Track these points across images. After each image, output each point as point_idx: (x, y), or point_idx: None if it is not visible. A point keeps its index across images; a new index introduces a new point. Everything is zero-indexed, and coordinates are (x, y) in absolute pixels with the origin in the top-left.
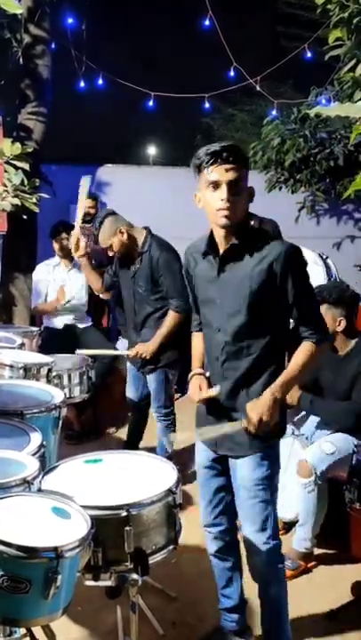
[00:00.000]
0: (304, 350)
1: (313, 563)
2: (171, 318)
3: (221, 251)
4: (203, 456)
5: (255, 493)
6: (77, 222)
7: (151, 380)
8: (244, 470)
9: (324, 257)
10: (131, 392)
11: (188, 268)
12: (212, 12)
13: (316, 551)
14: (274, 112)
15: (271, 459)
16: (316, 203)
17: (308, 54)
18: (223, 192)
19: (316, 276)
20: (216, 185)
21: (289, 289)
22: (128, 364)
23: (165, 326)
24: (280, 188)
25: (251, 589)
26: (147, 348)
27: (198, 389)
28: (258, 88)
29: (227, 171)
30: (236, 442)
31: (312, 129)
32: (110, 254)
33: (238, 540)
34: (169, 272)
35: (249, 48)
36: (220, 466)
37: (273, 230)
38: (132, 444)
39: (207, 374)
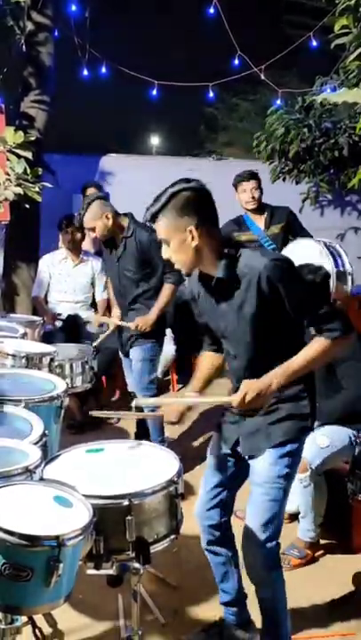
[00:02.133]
0: (314, 345)
1: (320, 552)
2: (168, 291)
3: (212, 284)
4: (216, 447)
5: (268, 491)
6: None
7: (135, 356)
8: (259, 466)
9: (333, 246)
10: (130, 382)
11: (193, 296)
12: (217, 0)
13: (320, 542)
14: (278, 101)
15: (290, 460)
16: (320, 193)
17: (314, 43)
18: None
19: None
20: None
21: (285, 301)
22: (121, 356)
23: (162, 299)
24: (284, 179)
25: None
26: (146, 321)
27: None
28: (262, 77)
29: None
30: (250, 439)
31: (317, 119)
32: (92, 236)
33: (230, 537)
34: (158, 249)
35: (253, 36)
36: (231, 461)
37: (287, 217)
38: (141, 434)
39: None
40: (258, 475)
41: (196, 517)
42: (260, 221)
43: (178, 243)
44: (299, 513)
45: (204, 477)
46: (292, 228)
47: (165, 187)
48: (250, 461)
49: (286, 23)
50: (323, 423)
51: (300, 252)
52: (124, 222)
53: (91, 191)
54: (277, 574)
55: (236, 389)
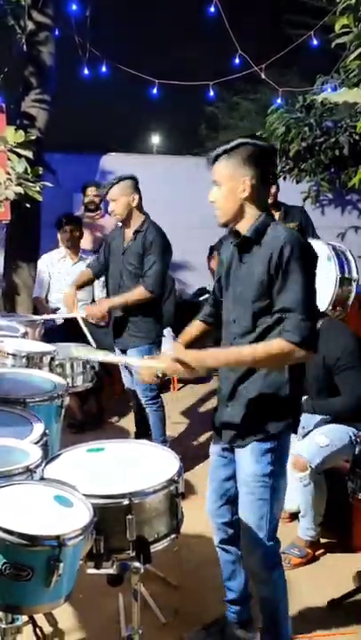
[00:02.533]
0: (272, 344)
1: (321, 550)
2: (138, 292)
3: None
4: (216, 444)
5: (252, 490)
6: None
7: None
8: (244, 462)
9: (342, 251)
10: (127, 381)
11: (222, 261)
12: None
13: (320, 540)
14: (279, 100)
15: (274, 455)
16: (320, 192)
17: (314, 42)
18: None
19: (328, 274)
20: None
21: (279, 275)
22: (116, 350)
23: (128, 296)
24: (285, 178)
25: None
26: (93, 309)
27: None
28: (263, 76)
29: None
30: (234, 428)
31: (317, 117)
32: (106, 212)
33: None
34: (157, 255)
35: (254, 35)
36: (231, 456)
37: (300, 216)
38: (141, 434)
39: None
40: (242, 472)
41: (208, 515)
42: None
43: (229, 189)
44: (299, 512)
45: (210, 475)
46: (305, 228)
47: (166, 186)
48: (237, 455)
49: (287, 22)
50: (321, 422)
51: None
52: (142, 216)
53: (91, 191)
54: (278, 573)
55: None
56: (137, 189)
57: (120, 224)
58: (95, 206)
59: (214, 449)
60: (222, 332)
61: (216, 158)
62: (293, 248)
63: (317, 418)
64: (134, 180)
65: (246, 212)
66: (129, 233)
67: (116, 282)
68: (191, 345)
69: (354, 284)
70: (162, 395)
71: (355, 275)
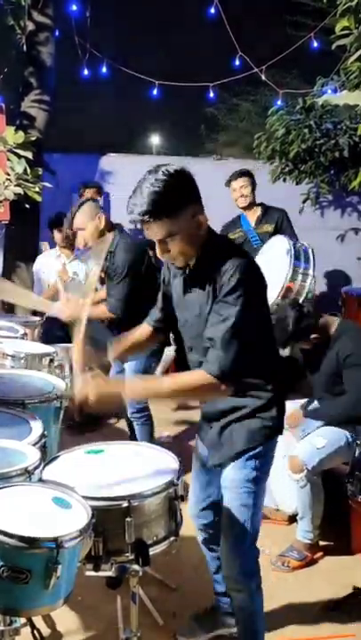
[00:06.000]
0: (191, 375)
1: (319, 553)
2: (101, 311)
3: (186, 271)
4: (200, 451)
5: (236, 495)
6: None
7: (129, 368)
8: (229, 470)
9: (304, 249)
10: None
11: (164, 276)
12: (218, 1)
13: (319, 543)
14: (279, 102)
15: (258, 462)
16: (320, 194)
17: (315, 43)
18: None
19: (282, 267)
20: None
21: (217, 300)
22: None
23: (94, 310)
24: (284, 180)
25: None
26: (66, 310)
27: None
28: (263, 77)
29: (147, 230)
30: (221, 444)
31: (317, 119)
32: (78, 245)
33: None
34: (119, 275)
35: (254, 37)
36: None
37: (282, 219)
38: (134, 436)
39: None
40: (226, 479)
41: (190, 517)
42: (252, 218)
43: (184, 238)
44: (297, 514)
45: (192, 479)
46: (282, 230)
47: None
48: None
49: (287, 24)
50: (322, 424)
51: (272, 244)
52: (112, 234)
53: (90, 192)
54: (256, 583)
55: None
56: (98, 208)
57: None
58: None
59: (197, 453)
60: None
61: (150, 218)
62: (233, 274)
63: (317, 423)
64: (93, 200)
65: (197, 247)
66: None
67: None
68: (127, 353)
69: (309, 279)
70: None
71: (310, 271)
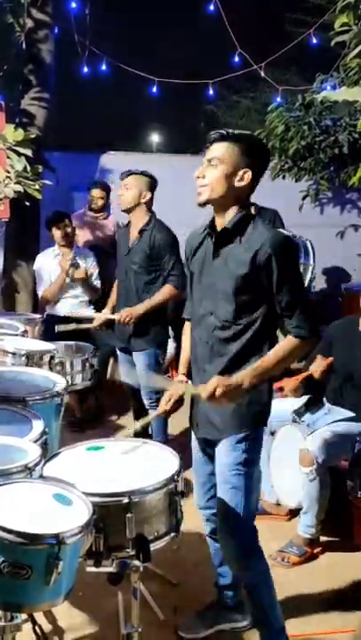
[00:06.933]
0: (285, 344)
1: (319, 549)
2: (166, 290)
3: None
4: (195, 441)
5: (226, 478)
6: None
7: (139, 362)
8: (220, 454)
9: (302, 240)
10: (124, 374)
11: (187, 252)
12: None
13: (320, 539)
14: (278, 99)
15: (247, 444)
16: (320, 191)
17: (314, 40)
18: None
19: None
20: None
21: (273, 279)
22: (118, 352)
23: (157, 297)
24: (284, 177)
25: None
26: (130, 313)
27: (167, 399)
28: (263, 74)
29: (207, 150)
30: (210, 422)
31: (317, 116)
32: (116, 196)
33: None
34: (171, 251)
35: (254, 34)
36: (211, 452)
37: (273, 219)
38: (141, 433)
39: (189, 382)
40: (218, 463)
41: (197, 508)
42: None
43: (225, 173)
44: (299, 509)
45: (194, 470)
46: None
47: (165, 184)
48: (216, 448)
49: (287, 20)
50: (328, 419)
51: None
52: (148, 215)
53: (97, 192)
54: (256, 560)
55: (196, 352)
56: (152, 189)
57: (125, 224)
58: (99, 208)
59: (195, 444)
60: (193, 324)
61: (222, 138)
62: (279, 250)
63: (326, 417)
64: (153, 180)
65: (230, 203)
66: (134, 232)
67: (122, 282)
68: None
69: (309, 273)
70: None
71: (311, 262)
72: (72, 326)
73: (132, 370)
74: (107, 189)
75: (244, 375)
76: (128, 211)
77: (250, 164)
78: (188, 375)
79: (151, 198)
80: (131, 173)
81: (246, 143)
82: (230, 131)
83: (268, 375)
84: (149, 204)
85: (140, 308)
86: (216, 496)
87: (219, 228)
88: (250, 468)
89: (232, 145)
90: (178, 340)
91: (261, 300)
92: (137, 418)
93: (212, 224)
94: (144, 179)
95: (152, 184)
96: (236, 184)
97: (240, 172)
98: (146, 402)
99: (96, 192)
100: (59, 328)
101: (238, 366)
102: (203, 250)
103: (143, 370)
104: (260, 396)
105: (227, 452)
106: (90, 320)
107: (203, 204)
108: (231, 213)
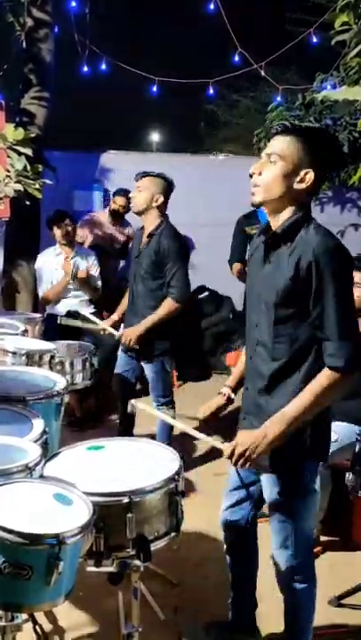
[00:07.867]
0: (320, 378)
1: (319, 548)
2: (167, 305)
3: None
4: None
5: (272, 512)
6: None
7: (148, 370)
8: (265, 487)
9: None
10: (121, 365)
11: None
12: None
13: (321, 538)
14: (278, 98)
15: (289, 481)
16: (320, 190)
17: (314, 39)
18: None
19: None
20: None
21: (312, 291)
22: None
23: (159, 313)
24: None
25: (266, 592)
26: (132, 333)
27: (207, 407)
28: (263, 73)
29: (272, 140)
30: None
31: (317, 115)
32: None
33: (254, 538)
34: (175, 259)
35: (254, 33)
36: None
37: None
38: (124, 429)
39: (232, 396)
40: (265, 493)
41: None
42: None
43: (284, 172)
44: None
45: (231, 474)
46: None
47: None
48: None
49: (287, 20)
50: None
51: None
52: (159, 219)
53: (120, 200)
54: (303, 587)
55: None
56: (165, 193)
57: (140, 227)
58: (119, 215)
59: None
60: (246, 335)
61: (285, 131)
62: (323, 257)
63: None
64: (169, 183)
65: (288, 205)
66: (145, 236)
67: (131, 286)
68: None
69: None
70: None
71: None
72: (78, 323)
73: (127, 366)
74: (127, 196)
75: (268, 426)
76: (139, 213)
77: (314, 164)
78: (235, 389)
79: (164, 202)
80: (146, 175)
81: (313, 139)
82: (296, 123)
83: (303, 417)
84: (162, 208)
85: (140, 329)
86: (245, 501)
87: (272, 231)
88: (293, 502)
89: (296, 140)
90: (175, 342)
91: (300, 315)
92: (123, 424)
93: (267, 225)
94: (159, 182)
95: (167, 188)
96: (296, 185)
97: (301, 173)
98: (154, 404)
99: (120, 200)
100: (66, 320)
101: (273, 391)
102: (258, 253)
103: (152, 374)
104: (314, 428)
105: (269, 487)
106: (95, 323)
107: (257, 206)
108: (285, 215)
